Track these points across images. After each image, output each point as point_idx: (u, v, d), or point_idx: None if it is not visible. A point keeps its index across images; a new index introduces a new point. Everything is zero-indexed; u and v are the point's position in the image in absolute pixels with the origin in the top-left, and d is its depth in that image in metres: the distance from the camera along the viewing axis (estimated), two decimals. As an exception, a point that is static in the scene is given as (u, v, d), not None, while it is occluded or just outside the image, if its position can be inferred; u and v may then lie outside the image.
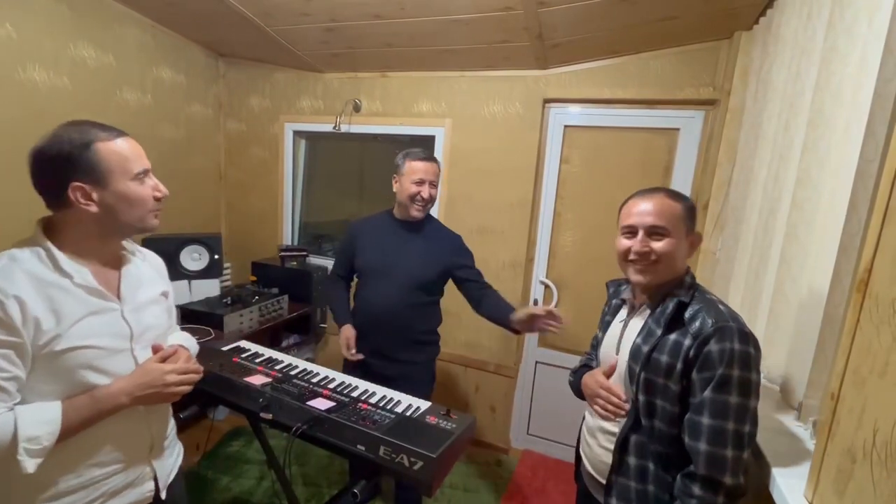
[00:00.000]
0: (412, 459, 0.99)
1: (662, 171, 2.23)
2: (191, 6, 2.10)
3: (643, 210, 1.03)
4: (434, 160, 1.71)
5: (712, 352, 0.92)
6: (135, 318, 0.98)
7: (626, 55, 2.14)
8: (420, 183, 1.67)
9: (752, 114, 1.66)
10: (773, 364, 1.25)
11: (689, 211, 1.04)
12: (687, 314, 0.98)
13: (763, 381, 1.04)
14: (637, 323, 1.08)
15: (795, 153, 1.23)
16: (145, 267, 1.08)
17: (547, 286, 2.50)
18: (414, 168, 1.67)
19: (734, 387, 0.90)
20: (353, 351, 1.73)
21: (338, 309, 1.85)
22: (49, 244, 0.87)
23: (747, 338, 0.92)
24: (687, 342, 0.95)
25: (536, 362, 2.58)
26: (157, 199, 0.95)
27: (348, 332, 1.76)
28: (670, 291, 1.03)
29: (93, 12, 2.12)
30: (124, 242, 1.05)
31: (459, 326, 2.60)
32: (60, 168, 0.84)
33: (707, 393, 0.91)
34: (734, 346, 0.90)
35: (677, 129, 2.18)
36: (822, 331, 1.01)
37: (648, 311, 1.06)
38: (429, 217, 1.78)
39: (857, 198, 0.92)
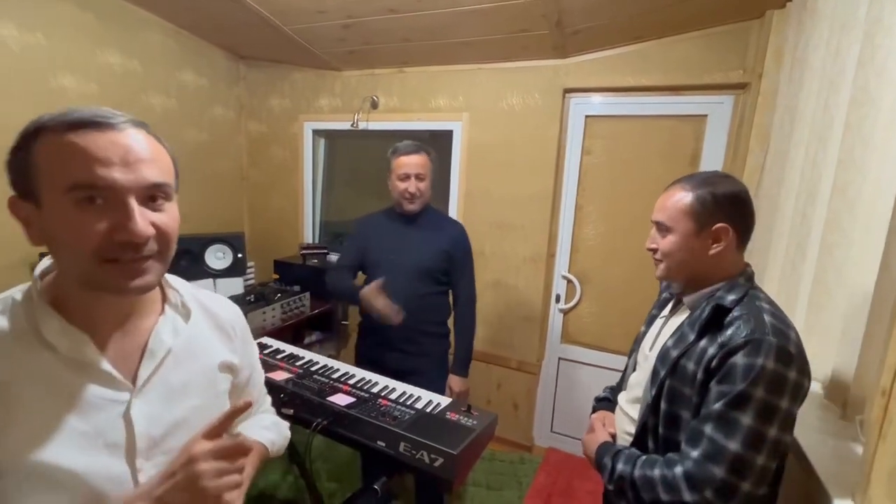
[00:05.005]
0: (433, 456, 0.98)
1: (689, 160, 2.14)
2: (210, 8, 2.13)
3: (657, 204, 0.98)
4: (420, 151, 1.68)
5: (737, 365, 0.79)
6: (149, 415, 0.61)
7: (648, 40, 2.06)
8: (405, 178, 1.66)
9: (787, 96, 1.57)
10: (813, 359, 1.18)
11: (703, 201, 0.89)
12: (727, 319, 0.86)
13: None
14: (676, 322, 1.00)
15: (836, 133, 1.15)
16: (202, 325, 0.72)
17: (569, 281, 2.44)
18: (399, 163, 1.66)
19: (752, 408, 0.77)
20: (384, 303, 1.58)
21: (349, 289, 1.72)
22: (36, 292, 0.57)
23: (788, 358, 0.78)
24: (711, 350, 0.84)
25: (560, 359, 2.53)
26: (125, 244, 0.54)
27: (369, 291, 1.59)
28: (715, 292, 0.91)
29: (118, 19, 2.17)
30: (171, 286, 0.69)
31: (481, 322, 2.56)
32: None
33: (718, 406, 0.80)
34: (766, 363, 0.77)
35: (705, 116, 2.09)
36: (870, 323, 0.95)
37: (688, 311, 0.97)
38: (427, 208, 1.78)
39: (907, 179, 0.86)
